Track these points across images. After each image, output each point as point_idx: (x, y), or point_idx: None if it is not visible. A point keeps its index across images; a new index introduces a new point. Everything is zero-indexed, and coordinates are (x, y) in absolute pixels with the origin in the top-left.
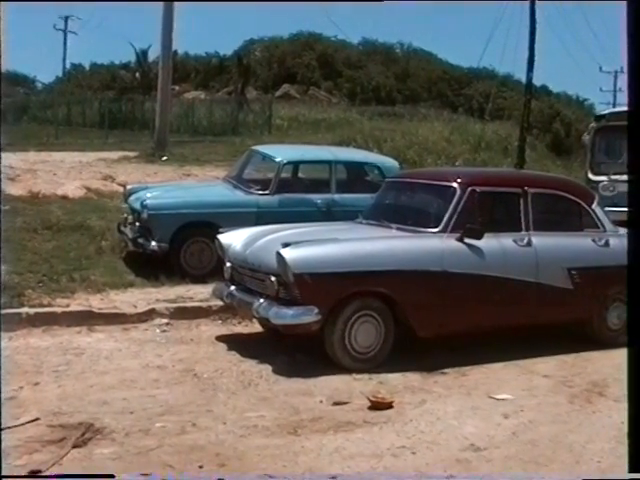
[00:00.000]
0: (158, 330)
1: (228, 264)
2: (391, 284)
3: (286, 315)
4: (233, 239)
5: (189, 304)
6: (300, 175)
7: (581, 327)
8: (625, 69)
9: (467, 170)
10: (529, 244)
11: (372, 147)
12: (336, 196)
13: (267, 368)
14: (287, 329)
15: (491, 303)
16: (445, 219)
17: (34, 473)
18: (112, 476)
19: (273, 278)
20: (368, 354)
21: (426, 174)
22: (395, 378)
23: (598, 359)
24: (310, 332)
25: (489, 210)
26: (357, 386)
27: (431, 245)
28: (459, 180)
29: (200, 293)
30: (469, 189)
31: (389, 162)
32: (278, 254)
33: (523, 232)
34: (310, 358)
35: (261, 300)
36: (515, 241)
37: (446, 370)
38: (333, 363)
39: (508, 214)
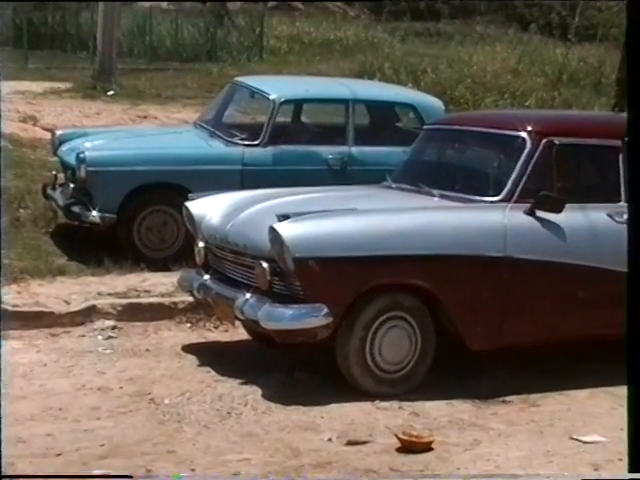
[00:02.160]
0: (100, 337)
1: (201, 244)
2: (432, 274)
3: (283, 317)
4: (208, 209)
5: (145, 300)
6: (303, 119)
7: None
8: None
9: (542, 114)
10: None
11: (406, 80)
12: (354, 149)
13: (254, 391)
14: (284, 336)
15: (574, 304)
16: (509, 184)
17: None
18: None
19: (265, 264)
20: (398, 373)
21: (483, 119)
22: (436, 408)
23: None
24: (316, 341)
25: (573, 171)
26: (381, 418)
27: (489, 220)
28: (530, 128)
29: (161, 284)
30: (544, 141)
31: (430, 102)
32: (272, 230)
33: (623, 203)
34: (315, 378)
35: (247, 295)
36: (610, 216)
37: (509, 398)
38: (348, 385)
39: (601, 177)
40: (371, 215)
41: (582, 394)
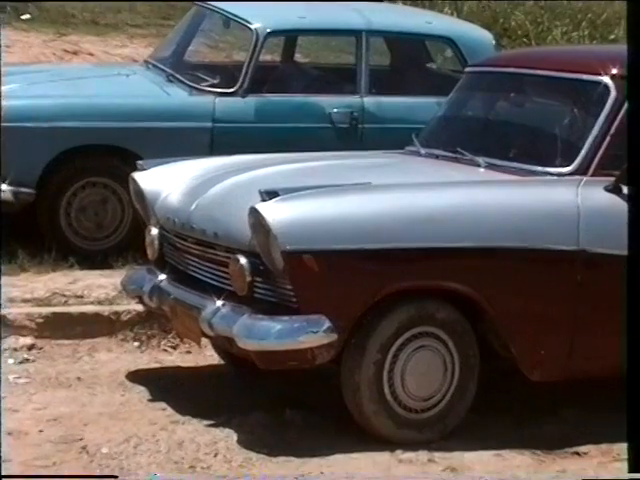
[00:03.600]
0: (12, 360)
1: (154, 231)
2: (476, 275)
3: (268, 333)
4: (165, 182)
5: (75, 309)
6: (298, 59)
7: None
8: None
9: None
10: None
11: (442, 4)
12: (368, 100)
13: (228, 437)
14: (269, 360)
15: None
16: (585, 149)
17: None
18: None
19: (243, 260)
20: (428, 412)
21: (548, 59)
22: (480, 461)
23: None
24: (315, 366)
25: None
26: (405, 474)
27: (556, 200)
28: (616, 70)
29: (98, 287)
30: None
31: (474, 34)
32: (254, 212)
33: None
34: (313, 418)
35: (219, 302)
36: None
37: (583, 448)
38: (358, 428)
39: None
40: (391, 192)
41: None
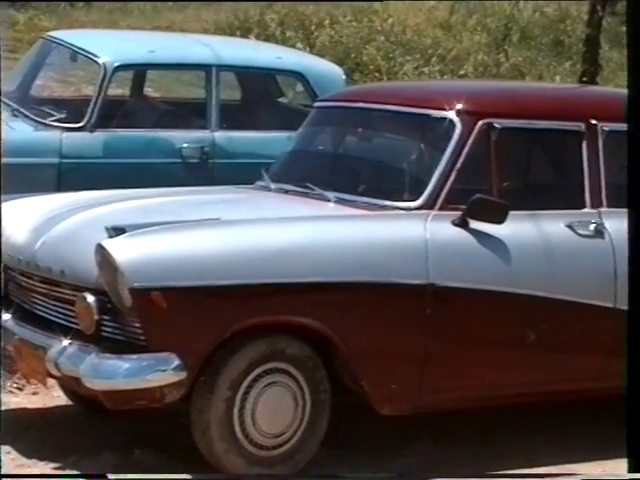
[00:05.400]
0: None
1: None
2: (326, 310)
3: (115, 372)
4: (8, 219)
5: None
6: (147, 93)
7: None
8: None
9: (479, 86)
10: (599, 233)
11: (294, 38)
12: (219, 135)
13: None
14: (117, 399)
15: (522, 348)
16: (432, 183)
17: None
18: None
19: (90, 298)
20: (279, 449)
21: (396, 94)
22: None
23: None
24: (164, 405)
25: (520, 166)
26: None
27: (404, 234)
28: (461, 106)
29: None
30: (480, 123)
31: (325, 69)
32: (101, 249)
33: (588, 210)
34: (163, 456)
35: (65, 342)
36: (571, 227)
37: None
38: (209, 466)
39: (558, 175)
40: (241, 228)
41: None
